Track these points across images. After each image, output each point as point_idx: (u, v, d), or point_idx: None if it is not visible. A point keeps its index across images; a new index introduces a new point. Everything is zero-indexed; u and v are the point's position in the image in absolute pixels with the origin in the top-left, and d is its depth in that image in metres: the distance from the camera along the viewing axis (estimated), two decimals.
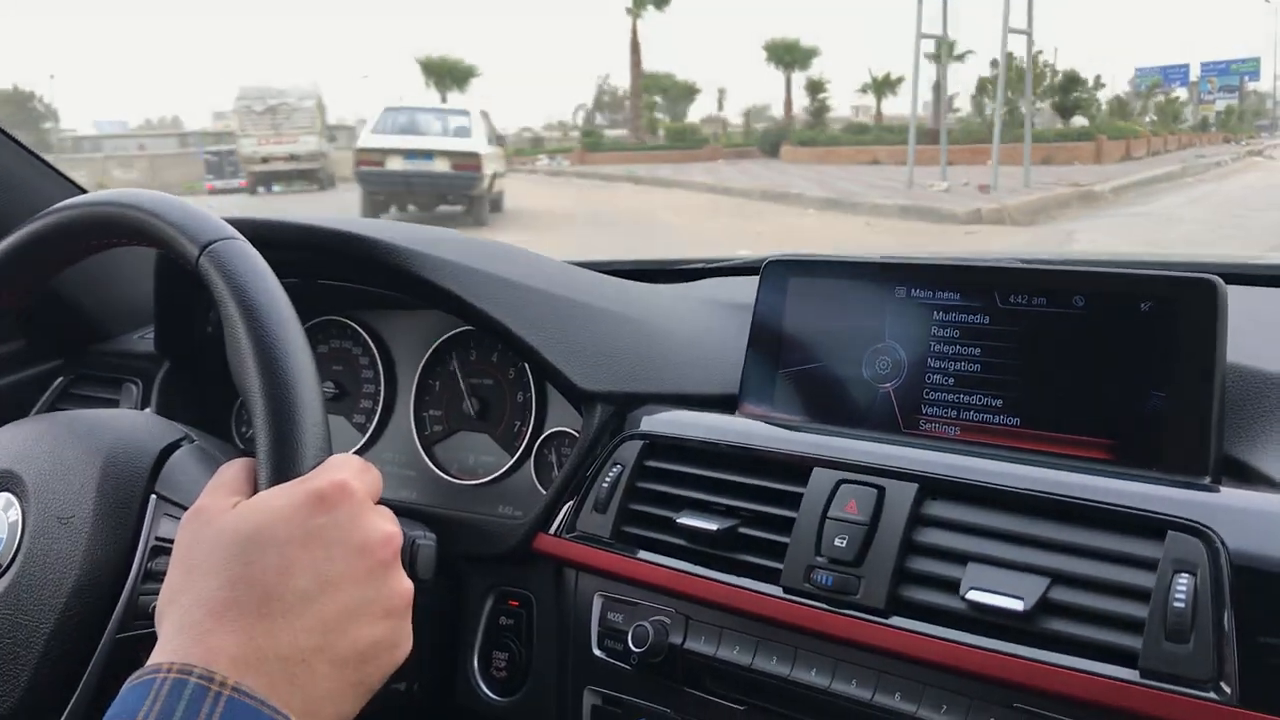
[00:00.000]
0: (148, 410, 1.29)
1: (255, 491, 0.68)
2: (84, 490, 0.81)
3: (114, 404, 1.40)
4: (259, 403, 0.70)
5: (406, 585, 0.69)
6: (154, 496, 0.83)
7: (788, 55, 47.17)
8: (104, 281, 1.49)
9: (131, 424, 0.90)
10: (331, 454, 0.71)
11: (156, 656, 0.60)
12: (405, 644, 0.69)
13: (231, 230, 0.78)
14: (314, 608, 0.63)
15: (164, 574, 0.67)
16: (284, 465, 0.68)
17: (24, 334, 1.49)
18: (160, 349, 1.32)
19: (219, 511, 0.66)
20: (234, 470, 0.71)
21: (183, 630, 0.61)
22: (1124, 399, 0.88)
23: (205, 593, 0.62)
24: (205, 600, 0.62)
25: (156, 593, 0.68)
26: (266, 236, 0.90)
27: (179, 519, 0.79)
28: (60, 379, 1.49)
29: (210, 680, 0.57)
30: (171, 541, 0.71)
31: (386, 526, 0.69)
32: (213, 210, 0.82)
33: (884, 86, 46.92)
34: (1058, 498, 0.82)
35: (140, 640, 0.73)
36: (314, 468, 0.69)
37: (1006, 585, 0.80)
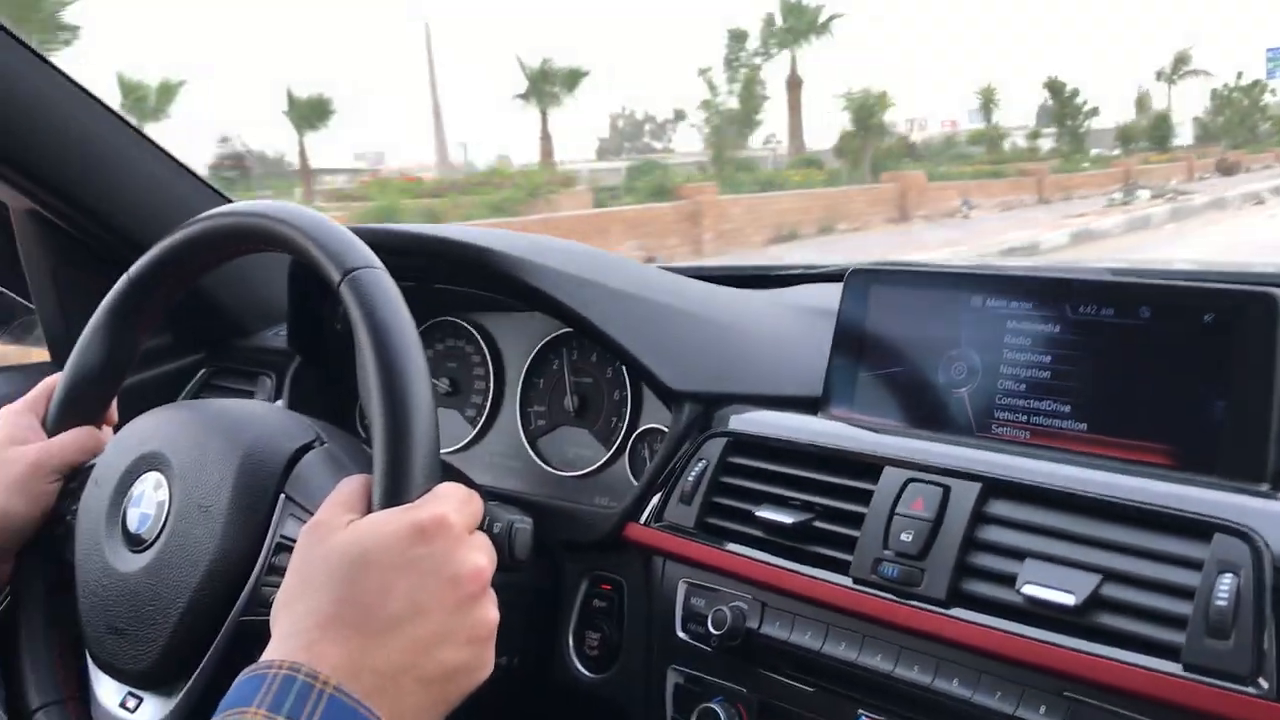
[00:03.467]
0: (280, 405, 1.40)
1: (369, 508, 0.76)
2: (223, 483, 0.90)
3: (250, 395, 1.53)
4: (380, 428, 0.78)
5: (491, 615, 0.77)
6: (283, 496, 0.91)
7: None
8: (242, 282, 1.62)
9: (270, 423, 0.98)
10: (440, 481, 0.78)
11: (269, 654, 0.69)
12: (486, 668, 0.76)
13: (373, 258, 0.84)
14: (406, 630, 0.71)
15: (284, 569, 0.76)
16: (396, 490, 0.76)
17: (170, 330, 1.63)
18: (292, 345, 1.43)
19: (334, 529, 0.74)
20: (351, 487, 0.79)
21: (294, 635, 0.70)
22: (1186, 407, 0.92)
23: (315, 605, 0.71)
24: (314, 611, 0.70)
25: (277, 585, 0.77)
26: (386, 243, 0.99)
27: (301, 519, 0.88)
28: (203, 371, 1.62)
29: (315, 678, 0.66)
30: (293, 540, 0.80)
31: (478, 560, 0.76)
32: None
33: None
34: (1110, 499, 0.87)
35: (260, 625, 0.80)
36: (422, 495, 0.76)
37: (1060, 581, 0.85)
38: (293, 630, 0.70)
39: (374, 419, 0.78)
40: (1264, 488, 0.86)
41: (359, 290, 0.82)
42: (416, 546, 0.73)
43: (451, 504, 0.76)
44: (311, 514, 0.79)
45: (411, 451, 0.77)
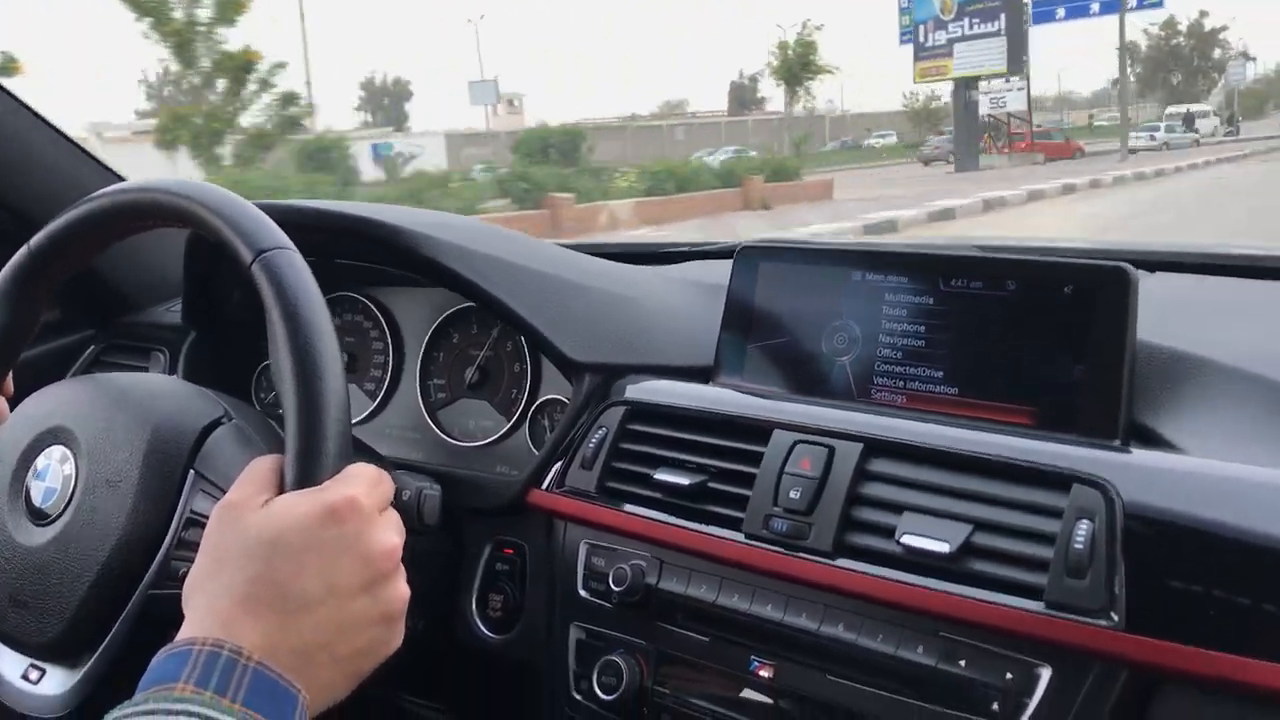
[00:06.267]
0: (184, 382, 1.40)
1: (282, 489, 0.78)
2: (132, 459, 0.91)
3: (144, 370, 1.52)
4: (292, 410, 0.79)
5: (403, 592, 0.79)
6: (192, 472, 0.93)
7: None
8: (133, 258, 1.61)
9: (178, 398, 0.99)
10: (351, 462, 0.80)
11: (188, 631, 0.71)
12: (396, 641, 0.79)
13: (284, 239, 0.85)
14: (320, 610, 0.73)
15: (194, 543, 0.77)
16: (308, 471, 0.77)
17: (58, 305, 1.61)
18: (187, 321, 1.44)
19: (248, 509, 0.76)
20: (264, 467, 0.80)
21: (211, 614, 0.71)
22: (1048, 371, 1.00)
23: (230, 584, 0.72)
24: (230, 591, 0.72)
25: (186, 559, 0.79)
26: (293, 220, 1.01)
27: (211, 495, 0.90)
28: (92, 348, 1.61)
29: (240, 654, 0.68)
30: (203, 515, 0.82)
31: (389, 539, 0.78)
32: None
33: None
34: (982, 456, 0.94)
35: (168, 599, 0.82)
36: (332, 476, 0.78)
37: (935, 531, 0.93)
38: (209, 608, 0.72)
39: (286, 401, 0.79)
40: (1116, 443, 0.95)
41: (271, 272, 0.82)
42: (329, 528, 0.75)
43: (362, 485, 0.78)
44: (221, 489, 0.81)
45: (324, 434, 0.78)
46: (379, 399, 1.42)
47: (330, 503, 0.76)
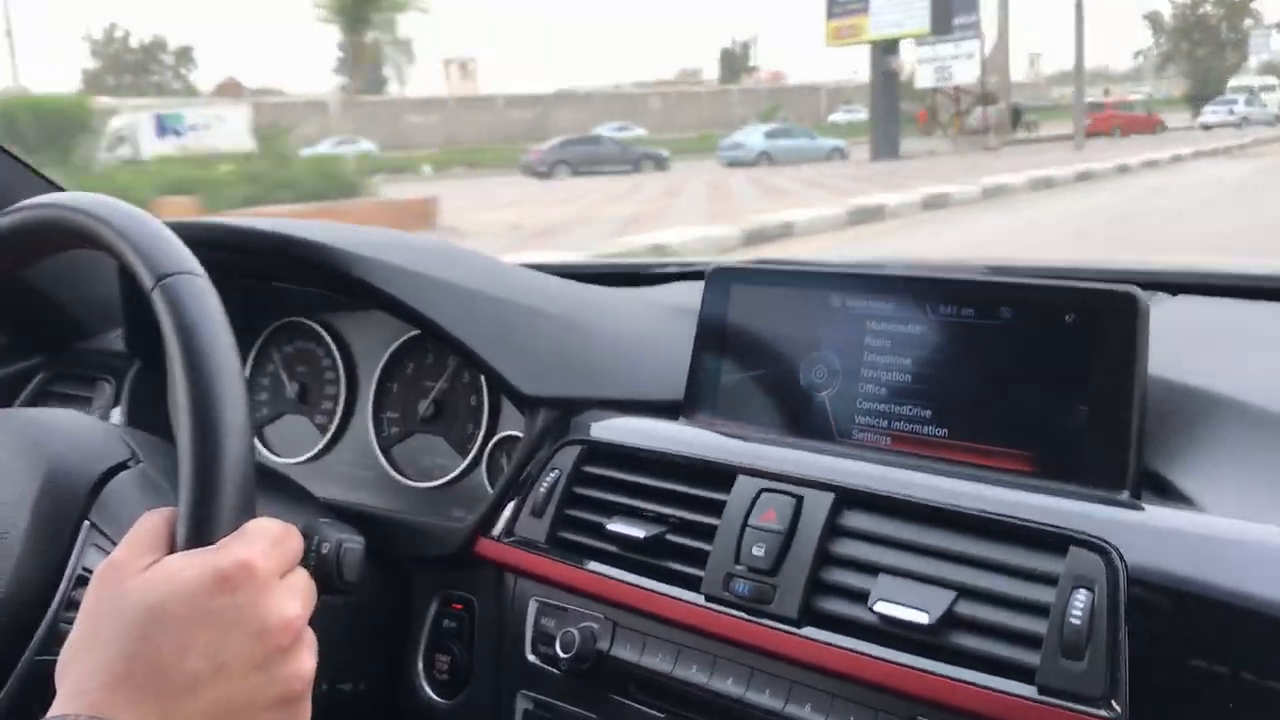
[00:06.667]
0: (98, 417, 1.30)
1: (173, 548, 0.69)
2: (20, 507, 0.82)
3: (88, 402, 1.43)
4: (187, 456, 0.70)
5: (306, 668, 0.69)
6: (86, 523, 0.84)
7: None
8: (84, 280, 1.51)
9: (79, 438, 0.90)
10: (253, 516, 0.71)
11: (57, 709, 0.61)
12: None
13: (189, 262, 0.76)
14: (207, 692, 0.63)
15: None
16: (201, 528, 0.68)
17: (4, 332, 1.51)
18: (130, 348, 1.34)
19: (131, 572, 0.66)
20: (153, 522, 0.71)
21: (80, 695, 0.62)
22: (1047, 411, 0.88)
23: (103, 663, 0.63)
24: (102, 670, 0.63)
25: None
26: (206, 239, 0.91)
27: (106, 550, 0.81)
28: (39, 376, 1.51)
29: None
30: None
31: (288, 610, 0.68)
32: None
33: None
34: (966, 511, 0.82)
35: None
36: (229, 533, 0.69)
37: (914, 598, 0.81)
38: (78, 690, 0.62)
39: (181, 446, 0.70)
40: (1124, 495, 0.83)
41: (173, 299, 0.74)
42: (218, 596, 0.65)
43: (260, 546, 0.68)
44: (117, 544, 0.72)
45: (220, 486, 0.69)
46: (331, 434, 1.31)
47: (220, 568, 0.66)
